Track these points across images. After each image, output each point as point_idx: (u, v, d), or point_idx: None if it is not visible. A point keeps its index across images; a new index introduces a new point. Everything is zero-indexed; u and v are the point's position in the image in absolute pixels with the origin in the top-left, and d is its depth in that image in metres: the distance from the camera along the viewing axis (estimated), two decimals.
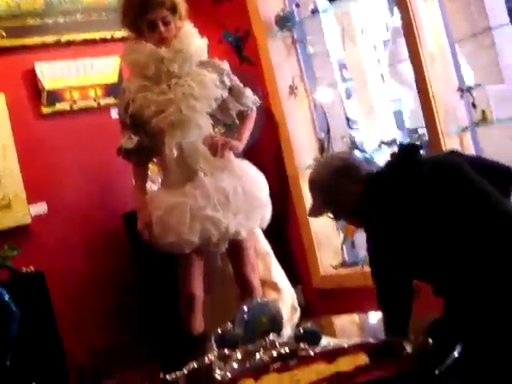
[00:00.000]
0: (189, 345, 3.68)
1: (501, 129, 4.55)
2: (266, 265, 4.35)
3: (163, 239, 3.77)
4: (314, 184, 3.10)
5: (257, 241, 4.24)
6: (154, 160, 4.29)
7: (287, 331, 3.17)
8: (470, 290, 2.76)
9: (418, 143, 3.94)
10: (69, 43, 5.04)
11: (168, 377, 2.81)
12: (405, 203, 2.83)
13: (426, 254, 2.80)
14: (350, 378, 2.29)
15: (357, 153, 3.59)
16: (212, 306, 4.10)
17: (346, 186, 2.98)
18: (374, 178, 2.98)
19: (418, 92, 4.41)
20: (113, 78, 5.13)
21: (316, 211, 3.16)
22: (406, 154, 2.98)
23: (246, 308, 2.95)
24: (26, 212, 4.73)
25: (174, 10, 3.77)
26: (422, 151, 3.06)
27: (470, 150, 4.36)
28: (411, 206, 2.82)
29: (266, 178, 3.96)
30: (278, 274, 4.39)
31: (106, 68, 5.12)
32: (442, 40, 4.41)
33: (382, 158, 4.60)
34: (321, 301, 5.10)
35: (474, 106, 4.25)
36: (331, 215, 3.19)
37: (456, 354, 2.48)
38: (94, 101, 5.09)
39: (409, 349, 2.47)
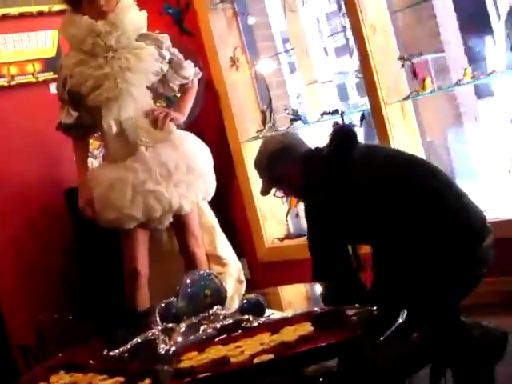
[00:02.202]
0: (133, 321, 3.65)
1: (441, 97, 4.59)
2: (211, 238, 4.33)
3: (105, 215, 3.73)
4: (255, 165, 3.31)
5: (202, 214, 4.21)
6: (96, 135, 4.25)
7: (235, 304, 3.17)
8: (402, 260, 2.89)
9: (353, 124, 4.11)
10: (5, 17, 4.93)
11: (112, 353, 2.78)
12: (340, 184, 2.97)
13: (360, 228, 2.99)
14: (293, 348, 2.28)
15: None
16: (158, 281, 4.07)
17: (282, 168, 3.15)
18: (311, 159, 3.12)
19: (360, 62, 4.42)
20: (51, 53, 5.04)
21: (264, 190, 3.33)
22: (342, 138, 3.12)
23: (189, 281, 2.93)
24: None
25: None
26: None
27: (411, 119, 4.40)
28: (346, 188, 2.97)
29: (209, 150, 3.93)
30: (224, 247, 4.38)
31: (44, 42, 5.03)
32: (382, 10, 4.42)
33: (324, 127, 4.64)
34: (266, 273, 5.10)
35: (414, 75, 4.27)
36: (279, 193, 3.52)
37: (400, 320, 2.48)
38: (33, 76, 5.00)
39: (353, 316, 2.47)
